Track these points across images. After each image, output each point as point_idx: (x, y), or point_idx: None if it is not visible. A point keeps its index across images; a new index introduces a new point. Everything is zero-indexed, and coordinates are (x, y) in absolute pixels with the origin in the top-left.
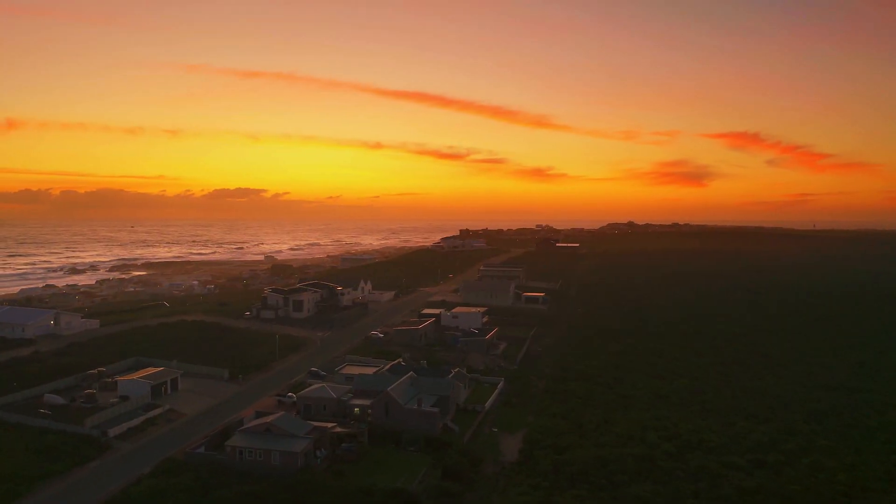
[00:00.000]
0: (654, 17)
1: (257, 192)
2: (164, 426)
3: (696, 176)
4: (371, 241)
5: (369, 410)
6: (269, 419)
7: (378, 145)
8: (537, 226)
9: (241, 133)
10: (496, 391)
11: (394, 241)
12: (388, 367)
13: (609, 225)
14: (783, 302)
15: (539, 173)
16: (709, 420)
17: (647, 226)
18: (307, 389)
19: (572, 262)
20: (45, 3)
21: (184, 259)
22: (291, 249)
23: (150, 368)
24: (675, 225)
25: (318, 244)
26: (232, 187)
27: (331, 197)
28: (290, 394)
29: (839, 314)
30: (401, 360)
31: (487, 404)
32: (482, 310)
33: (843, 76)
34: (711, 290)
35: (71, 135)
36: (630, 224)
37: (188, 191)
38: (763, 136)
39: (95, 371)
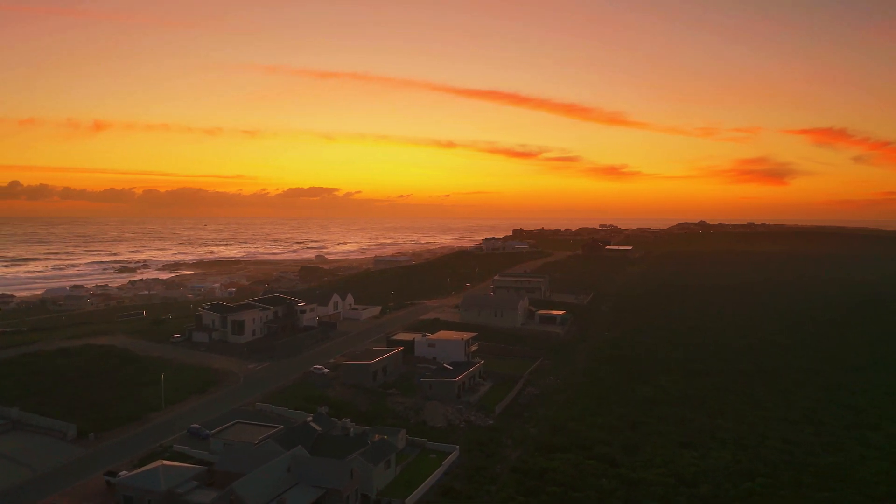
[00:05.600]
0: (731, 12)
1: (330, 190)
2: None
3: (777, 174)
4: (444, 240)
5: None
6: None
7: (450, 144)
8: (601, 226)
9: (317, 133)
10: (440, 468)
11: (465, 241)
12: (283, 431)
13: (678, 225)
14: (874, 323)
15: (612, 171)
16: None
17: (720, 225)
18: (135, 472)
19: (619, 268)
20: (130, 8)
21: (236, 258)
22: (363, 249)
23: None
24: (751, 225)
25: (397, 243)
26: (306, 186)
27: (401, 196)
28: (122, 473)
29: None
30: (311, 417)
31: (412, 497)
32: (469, 336)
33: None
34: (784, 308)
35: (154, 136)
36: (701, 224)
37: (263, 190)
38: (850, 131)
39: None
